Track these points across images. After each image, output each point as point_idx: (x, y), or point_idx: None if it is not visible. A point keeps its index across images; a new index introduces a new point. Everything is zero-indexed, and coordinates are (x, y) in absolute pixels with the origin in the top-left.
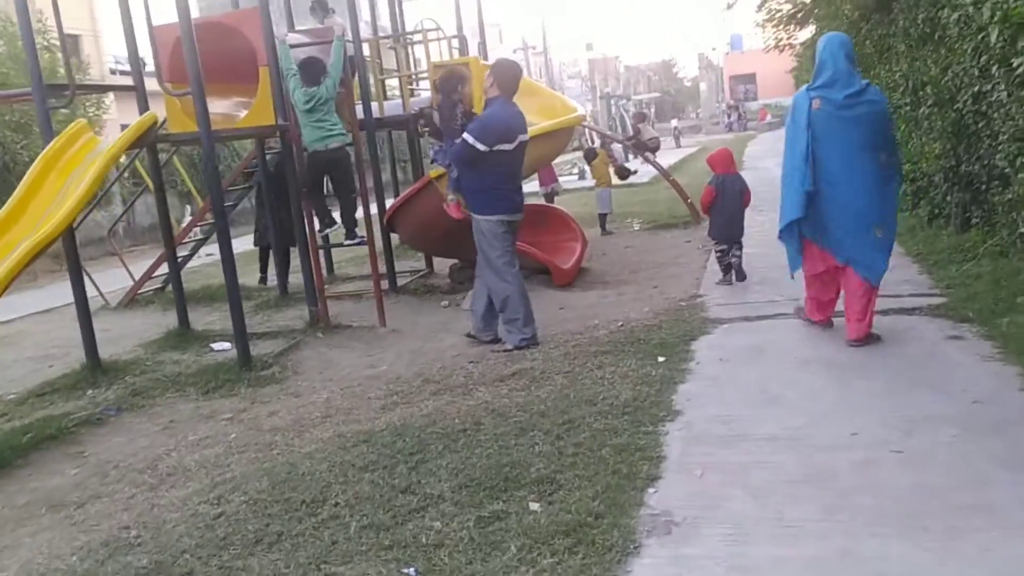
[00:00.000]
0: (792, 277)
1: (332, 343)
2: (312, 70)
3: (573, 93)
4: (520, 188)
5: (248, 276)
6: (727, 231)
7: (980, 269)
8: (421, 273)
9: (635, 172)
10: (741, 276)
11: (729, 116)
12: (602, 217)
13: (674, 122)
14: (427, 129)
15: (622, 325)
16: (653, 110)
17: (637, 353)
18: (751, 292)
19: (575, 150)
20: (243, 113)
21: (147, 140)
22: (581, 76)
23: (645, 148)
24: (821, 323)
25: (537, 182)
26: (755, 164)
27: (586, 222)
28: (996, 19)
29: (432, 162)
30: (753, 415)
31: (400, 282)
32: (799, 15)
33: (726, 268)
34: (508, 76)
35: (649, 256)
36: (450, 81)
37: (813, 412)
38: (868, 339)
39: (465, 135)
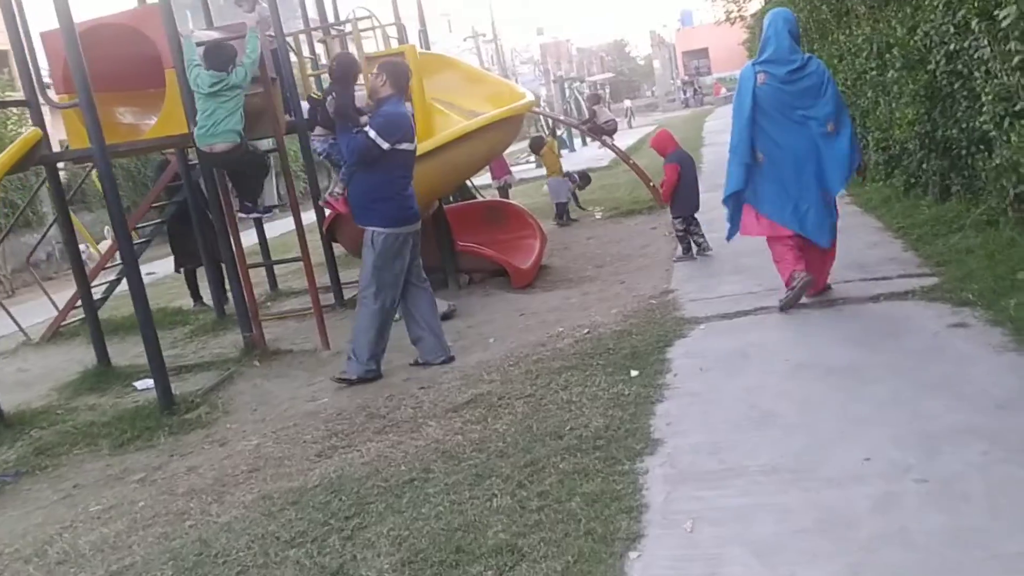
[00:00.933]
0: (728, 240)
1: (270, 372)
2: (218, 54)
3: (526, 79)
4: (414, 195)
5: (188, 297)
6: (691, 204)
7: (969, 242)
8: None
9: (588, 181)
10: (706, 247)
11: (685, 92)
12: (559, 207)
13: (627, 102)
14: (317, 118)
15: (588, 332)
16: (608, 91)
17: (607, 367)
18: (726, 283)
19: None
20: (154, 122)
21: (32, 160)
22: (534, 61)
23: (602, 132)
24: (802, 274)
25: (489, 175)
26: (715, 139)
27: (546, 213)
28: None
29: (319, 155)
30: (745, 440)
31: (348, 294)
32: None
33: (688, 245)
34: (401, 75)
35: (613, 247)
36: (348, 67)
37: (814, 432)
38: (826, 290)
39: (368, 130)
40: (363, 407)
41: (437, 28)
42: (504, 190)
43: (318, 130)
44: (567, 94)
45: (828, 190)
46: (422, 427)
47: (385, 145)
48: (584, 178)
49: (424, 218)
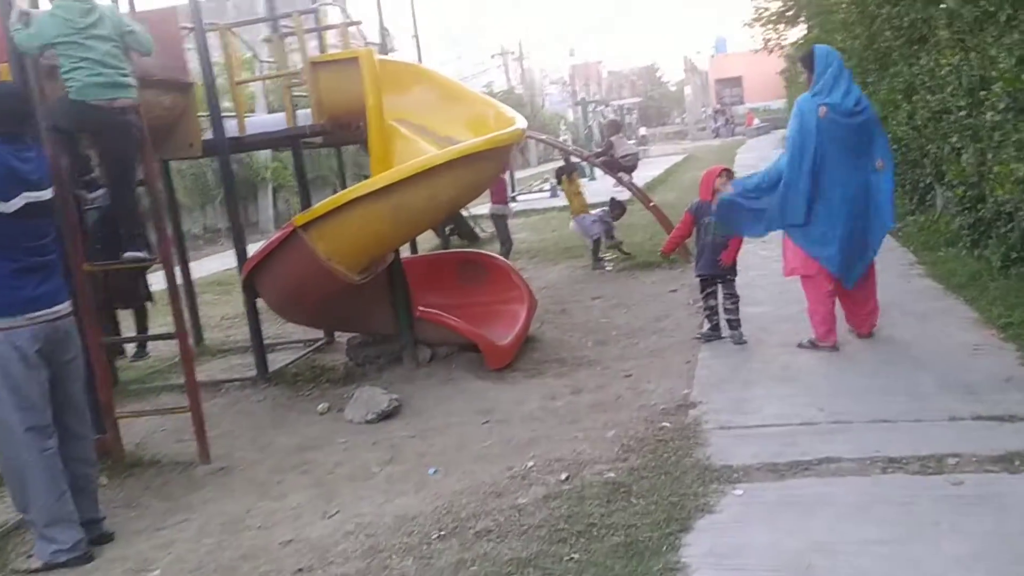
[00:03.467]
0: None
1: (113, 499)
2: None
3: (554, 99)
4: (53, 269)
5: None
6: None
7: None
8: (317, 344)
9: (623, 211)
10: (737, 338)
11: (716, 121)
12: (595, 245)
13: (642, 130)
14: None
15: (567, 480)
16: (636, 116)
17: (582, 573)
18: (771, 398)
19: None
20: None
21: None
22: (563, 82)
23: (618, 168)
24: (830, 343)
25: (489, 199)
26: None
27: (555, 254)
28: None
29: None
30: None
31: (281, 359)
32: (788, 13)
33: (710, 317)
34: (5, 110)
35: (622, 315)
36: None
37: None
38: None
39: None
40: None
41: (466, 42)
42: (501, 221)
43: None
44: (590, 118)
45: (883, 226)
46: None
47: None
48: (617, 207)
49: (376, 275)
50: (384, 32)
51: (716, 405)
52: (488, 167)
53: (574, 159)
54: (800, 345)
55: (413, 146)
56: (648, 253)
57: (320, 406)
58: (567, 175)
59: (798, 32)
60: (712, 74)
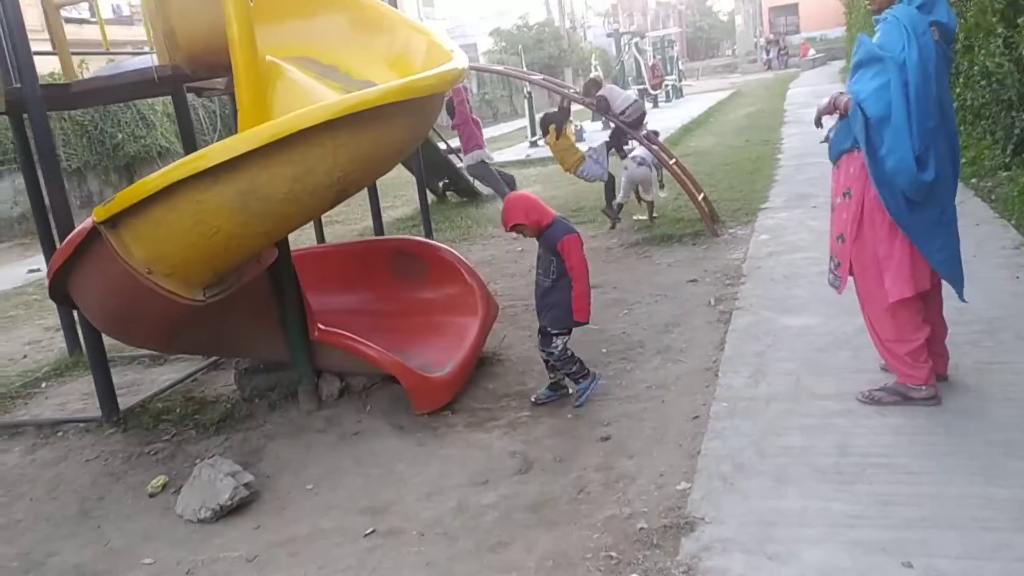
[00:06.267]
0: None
1: None
2: None
3: (598, 32)
4: None
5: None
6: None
7: None
8: (215, 359)
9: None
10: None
11: (768, 52)
12: (608, 195)
13: (680, 64)
14: None
15: None
16: (677, 49)
17: None
18: (819, 515)
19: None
20: None
21: None
22: (606, 13)
23: (629, 126)
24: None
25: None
26: (800, 115)
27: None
28: None
29: None
30: None
31: (164, 378)
32: None
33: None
34: None
35: (621, 319)
36: None
37: None
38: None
39: None
40: None
41: None
42: (482, 169)
43: None
44: (623, 52)
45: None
46: None
47: None
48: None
49: (250, 280)
50: None
51: (727, 529)
52: (404, 126)
53: (567, 103)
54: (867, 399)
55: (305, 95)
56: (670, 222)
57: (154, 481)
58: (555, 126)
59: None
60: (766, 1)
